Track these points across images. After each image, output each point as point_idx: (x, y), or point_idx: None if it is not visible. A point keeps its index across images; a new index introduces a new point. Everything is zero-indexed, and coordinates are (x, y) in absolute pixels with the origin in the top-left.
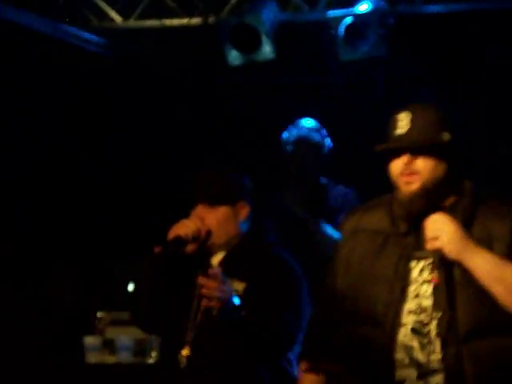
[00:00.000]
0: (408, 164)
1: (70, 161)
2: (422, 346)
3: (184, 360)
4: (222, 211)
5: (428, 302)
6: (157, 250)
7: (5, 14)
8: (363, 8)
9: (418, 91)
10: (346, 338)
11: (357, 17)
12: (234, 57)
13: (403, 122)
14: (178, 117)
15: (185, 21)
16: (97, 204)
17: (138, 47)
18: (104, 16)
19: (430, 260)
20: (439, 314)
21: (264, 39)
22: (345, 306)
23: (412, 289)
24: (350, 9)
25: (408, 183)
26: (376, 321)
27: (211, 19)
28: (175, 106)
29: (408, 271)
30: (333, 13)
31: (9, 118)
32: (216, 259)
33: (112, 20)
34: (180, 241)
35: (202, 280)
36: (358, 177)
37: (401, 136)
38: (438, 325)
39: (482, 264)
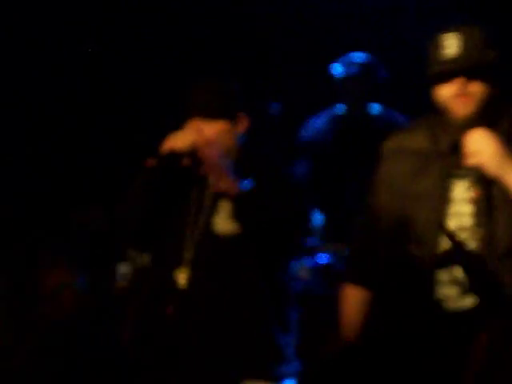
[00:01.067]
0: (463, 86)
1: None
2: None
3: (184, 281)
4: (222, 124)
5: (470, 222)
6: (150, 163)
7: None
8: None
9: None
10: (390, 257)
11: None
12: None
13: (452, 43)
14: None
15: None
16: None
17: None
18: None
19: (473, 179)
20: (479, 231)
21: None
22: (386, 224)
23: (454, 207)
24: None
25: (463, 106)
26: (418, 240)
27: None
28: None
29: (450, 189)
30: None
31: None
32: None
33: None
34: (175, 154)
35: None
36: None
37: (453, 58)
38: (478, 241)
39: None
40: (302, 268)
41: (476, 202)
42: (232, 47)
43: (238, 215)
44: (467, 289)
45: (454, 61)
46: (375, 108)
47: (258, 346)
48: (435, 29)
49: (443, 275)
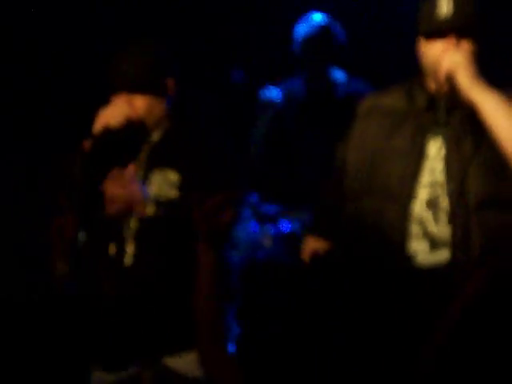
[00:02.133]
0: (456, 42)
1: None
2: (436, 219)
3: (129, 259)
4: (150, 95)
5: (443, 178)
6: (87, 145)
7: None
8: None
9: None
10: (359, 212)
11: None
12: None
13: (445, 2)
14: None
15: None
16: None
17: None
18: None
19: (448, 137)
20: (450, 186)
21: None
22: (357, 181)
23: (428, 164)
24: None
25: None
26: (390, 194)
27: None
28: None
29: (425, 146)
30: None
31: None
32: (147, 147)
33: None
34: (111, 131)
35: (107, 183)
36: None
37: (447, 16)
38: (449, 195)
39: (491, 99)
40: (265, 236)
41: (448, 154)
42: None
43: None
44: (438, 243)
45: (447, 19)
46: (338, 75)
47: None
48: None
49: (415, 229)
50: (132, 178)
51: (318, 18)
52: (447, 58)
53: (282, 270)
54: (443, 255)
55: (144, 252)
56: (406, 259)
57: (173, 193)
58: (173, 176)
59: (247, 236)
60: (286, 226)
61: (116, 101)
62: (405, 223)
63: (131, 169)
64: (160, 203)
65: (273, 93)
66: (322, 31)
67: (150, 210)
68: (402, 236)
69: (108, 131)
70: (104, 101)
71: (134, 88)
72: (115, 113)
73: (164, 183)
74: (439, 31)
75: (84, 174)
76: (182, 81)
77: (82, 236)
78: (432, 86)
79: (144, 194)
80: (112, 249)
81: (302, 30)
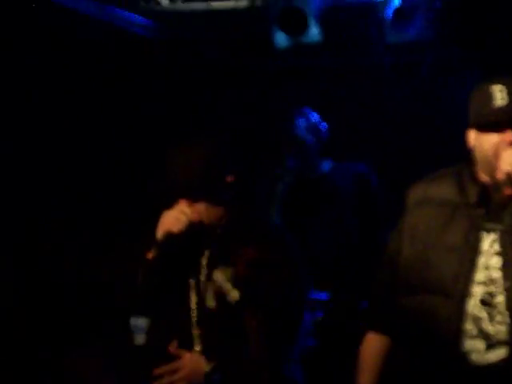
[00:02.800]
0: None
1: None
2: (491, 318)
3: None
4: (211, 199)
5: (498, 274)
6: (151, 255)
7: None
8: None
9: (464, 75)
10: (412, 307)
11: (405, 0)
12: (282, 39)
13: (501, 95)
14: (224, 100)
15: (232, 3)
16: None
17: (185, 30)
18: None
19: (500, 233)
20: (508, 283)
21: (311, 22)
22: (411, 275)
23: (482, 260)
24: None
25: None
26: (444, 291)
27: (258, 2)
28: (221, 90)
29: (478, 242)
30: None
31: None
32: (208, 245)
33: (159, 2)
34: (175, 238)
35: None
36: (398, 157)
37: (502, 108)
38: (506, 293)
39: None
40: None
41: (504, 255)
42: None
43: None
44: (494, 341)
45: (503, 111)
46: (326, 164)
47: None
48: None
49: (469, 327)
50: (183, 362)
51: (307, 113)
52: (507, 158)
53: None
54: (499, 354)
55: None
56: (461, 358)
57: (233, 294)
58: (233, 274)
59: None
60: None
61: (177, 206)
62: (459, 321)
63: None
64: (220, 300)
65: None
66: (312, 124)
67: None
68: (456, 334)
69: (171, 239)
70: (165, 206)
71: (194, 195)
72: (177, 219)
73: (226, 283)
74: (495, 124)
75: (147, 282)
76: (243, 171)
77: (140, 338)
78: (484, 178)
79: (196, 366)
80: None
81: (293, 123)
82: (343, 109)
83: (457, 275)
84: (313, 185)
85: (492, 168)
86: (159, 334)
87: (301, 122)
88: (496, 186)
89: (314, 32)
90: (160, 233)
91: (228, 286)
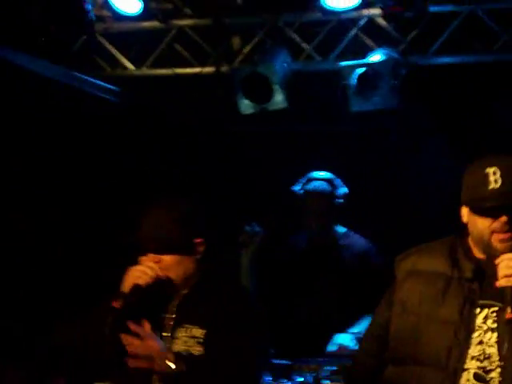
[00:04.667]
0: (508, 223)
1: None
2: None
3: None
4: (179, 254)
5: (492, 350)
6: (117, 305)
7: (19, 61)
8: (375, 58)
9: (429, 142)
10: (401, 377)
11: (369, 67)
12: (246, 106)
13: (494, 178)
14: (189, 165)
15: (197, 69)
16: None
17: (150, 95)
18: (117, 64)
19: (495, 308)
20: (503, 363)
21: (276, 89)
22: (401, 346)
23: (476, 335)
24: (362, 59)
25: (504, 241)
26: (437, 363)
27: (224, 68)
28: (186, 154)
29: (473, 317)
30: (345, 63)
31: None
32: (175, 303)
33: (125, 68)
34: (141, 291)
35: (125, 339)
36: (370, 224)
37: (496, 192)
38: (502, 373)
39: None
40: None
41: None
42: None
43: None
44: None
45: (496, 197)
46: (339, 231)
47: None
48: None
49: None
50: (149, 334)
51: (320, 175)
52: (504, 266)
53: None
54: None
55: None
56: None
57: (197, 349)
58: (198, 333)
59: None
60: (298, 379)
61: (144, 260)
62: None
63: (147, 325)
64: (182, 358)
65: (256, 228)
66: (325, 187)
67: (170, 365)
68: None
69: (137, 291)
70: (130, 260)
71: (162, 249)
72: (144, 273)
73: (189, 340)
74: (488, 209)
75: (114, 331)
76: (210, 237)
77: None
78: (478, 254)
79: (162, 349)
80: None
81: (307, 185)
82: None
83: (451, 349)
84: (326, 250)
85: (487, 247)
86: None
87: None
88: (490, 262)
89: (279, 99)
90: (126, 286)
91: (191, 344)
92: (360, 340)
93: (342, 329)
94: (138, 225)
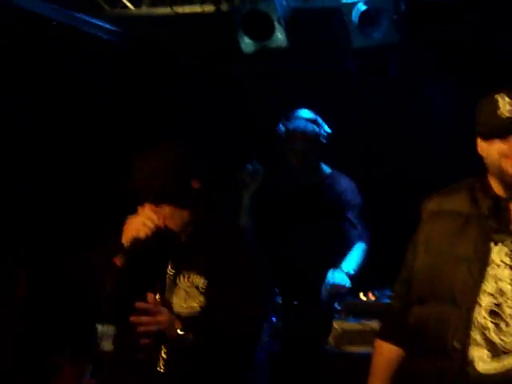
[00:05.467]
0: None
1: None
2: (498, 328)
3: (162, 363)
4: (176, 203)
5: (508, 287)
6: (118, 261)
7: (17, 2)
8: None
9: (430, 77)
10: (422, 316)
11: (370, 3)
12: (247, 44)
13: (508, 107)
14: (191, 104)
15: (197, 8)
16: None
17: (150, 34)
18: (116, 3)
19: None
20: None
21: (277, 26)
22: (422, 284)
23: (491, 271)
24: None
25: None
26: (453, 300)
27: (224, 6)
28: (187, 93)
29: (488, 252)
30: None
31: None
32: (175, 251)
33: (124, 7)
34: (141, 244)
35: (134, 319)
36: (366, 164)
37: (509, 119)
38: None
39: None
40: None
41: None
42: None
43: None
44: (500, 351)
45: (509, 121)
46: (325, 171)
47: None
48: None
49: (476, 336)
50: (157, 308)
51: (303, 114)
52: None
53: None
54: (505, 364)
55: (174, 358)
56: (467, 366)
57: (199, 300)
58: (200, 282)
59: None
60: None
61: (143, 212)
62: (466, 330)
63: (151, 296)
64: (188, 322)
65: (257, 166)
66: (309, 126)
67: (179, 332)
68: (463, 342)
69: (138, 244)
70: (129, 210)
71: (160, 199)
72: (143, 225)
73: (191, 290)
74: (500, 133)
75: (117, 288)
76: (209, 179)
77: (107, 345)
78: (496, 186)
79: (170, 319)
80: (142, 355)
81: (290, 124)
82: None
83: (465, 285)
84: (313, 190)
85: (501, 173)
86: (127, 341)
87: (309, 125)
88: (508, 194)
89: (280, 37)
90: (126, 239)
91: (194, 294)
92: (352, 277)
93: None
94: (135, 172)
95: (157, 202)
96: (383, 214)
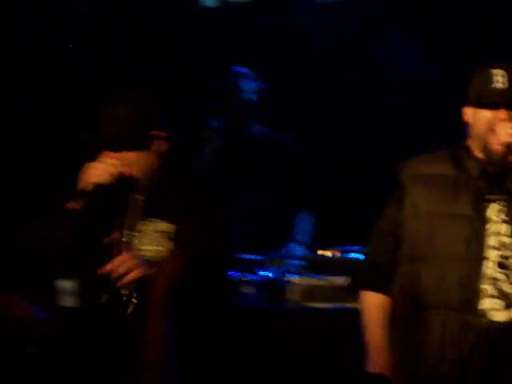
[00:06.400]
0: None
1: None
2: (508, 278)
3: (131, 306)
4: (138, 150)
5: (509, 240)
6: (74, 205)
7: None
8: None
9: (392, 36)
10: (416, 273)
11: None
12: None
13: (502, 79)
14: (149, 61)
15: None
16: None
17: None
18: None
19: (504, 202)
20: None
21: None
22: (417, 244)
23: (491, 227)
24: None
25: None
26: (457, 254)
27: None
28: (148, 51)
29: (485, 210)
30: None
31: None
32: (139, 200)
33: None
34: (102, 189)
35: (110, 266)
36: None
37: (502, 91)
38: None
39: None
40: (244, 282)
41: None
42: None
43: None
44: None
45: (502, 93)
46: (256, 128)
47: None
48: None
49: (488, 288)
50: (125, 251)
51: (234, 69)
52: (501, 130)
53: (262, 316)
54: None
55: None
56: (480, 315)
57: (166, 245)
58: (166, 227)
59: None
60: (266, 273)
61: (104, 158)
62: (476, 281)
63: (117, 235)
64: (154, 262)
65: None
66: (236, 82)
67: (147, 271)
68: (475, 293)
69: (99, 189)
70: (88, 157)
71: (123, 146)
72: (105, 170)
73: (157, 235)
74: (492, 103)
75: (75, 234)
76: (170, 130)
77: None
78: (478, 154)
79: (138, 259)
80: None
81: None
82: (269, 70)
83: (470, 241)
84: (242, 146)
85: (485, 142)
86: (89, 295)
87: (238, 82)
88: (490, 160)
89: None
90: (85, 184)
91: (160, 240)
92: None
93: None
94: (97, 120)
95: (120, 148)
96: (336, 178)
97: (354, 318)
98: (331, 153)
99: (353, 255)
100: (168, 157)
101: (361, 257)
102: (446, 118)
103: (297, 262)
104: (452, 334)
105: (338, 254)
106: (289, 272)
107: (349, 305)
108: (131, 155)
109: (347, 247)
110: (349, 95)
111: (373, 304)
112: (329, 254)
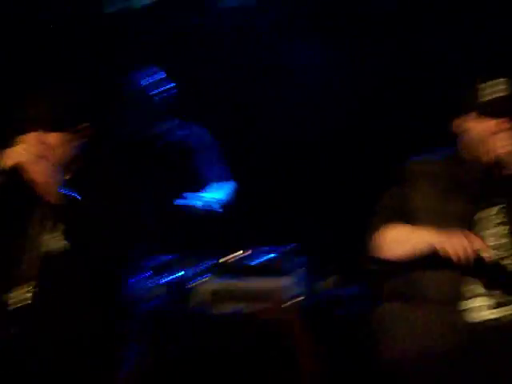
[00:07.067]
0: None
1: None
2: (502, 279)
3: (29, 296)
4: (61, 135)
5: (506, 240)
6: None
7: None
8: None
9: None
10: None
11: None
12: (108, 1)
13: (503, 87)
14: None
15: None
16: None
17: None
18: None
19: (501, 205)
20: None
21: None
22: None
23: (488, 229)
24: None
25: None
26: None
27: None
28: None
29: (482, 212)
30: None
31: None
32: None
33: None
34: (19, 169)
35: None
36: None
37: (503, 99)
38: None
39: None
40: (156, 285)
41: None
42: None
43: (64, 230)
44: (503, 302)
45: (504, 101)
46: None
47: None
48: None
49: (479, 288)
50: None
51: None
52: (498, 142)
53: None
54: (508, 312)
55: (46, 293)
56: (467, 313)
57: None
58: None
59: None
60: (177, 274)
61: (26, 138)
62: (468, 280)
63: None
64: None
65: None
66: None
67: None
68: (462, 292)
69: (19, 169)
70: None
71: (47, 127)
72: (27, 150)
73: (74, 217)
74: (493, 112)
75: None
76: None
77: None
78: (479, 157)
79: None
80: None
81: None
82: (180, 70)
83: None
84: (144, 145)
85: (487, 148)
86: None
87: (144, 79)
88: (492, 164)
89: None
90: (9, 161)
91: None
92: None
93: None
94: (23, 104)
95: (43, 129)
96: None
97: (261, 320)
98: (243, 153)
99: (264, 257)
100: (90, 144)
101: (272, 258)
102: (353, 118)
103: (207, 264)
104: (436, 329)
105: (249, 256)
106: (198, 274)
107: (256, 307)
108: (55, 137)
109: (259, 248)
110: (257, 94)
111: (394, 226)
112: (240, 254)
